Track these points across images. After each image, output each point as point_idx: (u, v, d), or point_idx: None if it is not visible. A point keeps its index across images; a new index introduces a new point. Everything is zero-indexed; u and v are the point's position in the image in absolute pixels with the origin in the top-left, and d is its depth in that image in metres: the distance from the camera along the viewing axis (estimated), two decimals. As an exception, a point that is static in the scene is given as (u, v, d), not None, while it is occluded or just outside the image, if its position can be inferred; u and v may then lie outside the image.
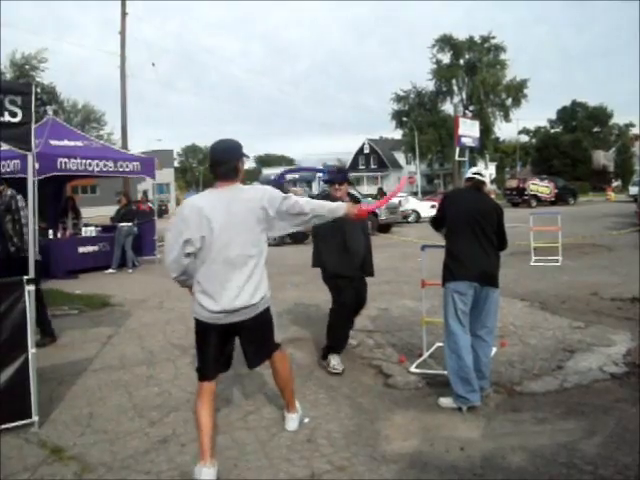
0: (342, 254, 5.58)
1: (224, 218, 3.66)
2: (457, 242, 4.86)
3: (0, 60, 35.94)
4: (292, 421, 4.41)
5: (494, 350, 5.49)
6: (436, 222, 5.18)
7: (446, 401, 4.80)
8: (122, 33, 26.05)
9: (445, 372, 5.03)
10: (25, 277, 4.49)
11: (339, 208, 4.11)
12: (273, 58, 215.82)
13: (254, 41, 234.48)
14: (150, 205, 17.10)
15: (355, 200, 5.79)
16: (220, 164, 3.77)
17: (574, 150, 61.48)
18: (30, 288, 4.46)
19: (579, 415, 4.51)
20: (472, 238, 4.80)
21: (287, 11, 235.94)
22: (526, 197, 38.80)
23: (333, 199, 5.54)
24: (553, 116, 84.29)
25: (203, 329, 3.82)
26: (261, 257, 3.85)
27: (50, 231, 13.54)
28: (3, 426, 4.33)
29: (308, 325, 7.53)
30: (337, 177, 5.82)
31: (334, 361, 5.64)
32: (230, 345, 3.97)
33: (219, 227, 3.64)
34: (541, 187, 39.29)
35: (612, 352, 5.98)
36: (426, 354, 6.01)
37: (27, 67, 40.96)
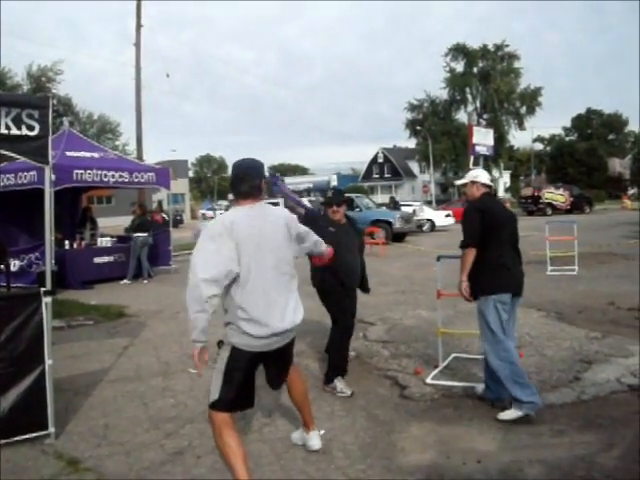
0: (338, 270, 5.41)
1: (257, 237, 3.48)
2: (497, 252, 4.69)
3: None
4: (316, 438, 4.19)
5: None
6: (476, 238, 4.71)
7: (509, 413, 4.58)
8: (137, 45, 26.23)
9: (460, 384, 5.01)
10: (42, 289, 4.52)
11: (325, 250, 4.26)
12: (287, 68, 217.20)
13: (268, 51, 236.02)
14: (163, 215, 17.09)
15: (351, 222, 5.80)
16: (243, 182, 3.61)
17: (589, 158, 61.24)
18: (47, 300, 4.48)
19: (597, 427, 4.46)
20: (509, 247, 4.76)
21: (301, 21, 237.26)
22: (541, 205, 38.79)
23: (331, 221, 5.56)
24: (568, 124, 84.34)
25: (240, 359, 3.49)
26: (294, 275, 3.75)
27: (66, 242, 13.61)
28: (20, 437, 4.36)
29: (323, 336, 7.49)
30: (335, 199, 5.77)
31: (340, 385, 5.50)
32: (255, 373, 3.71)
33: (254, 246, 3.45)
34: (556, 195, 39.22)
35: (630, 363, 5.92)
36: (442, 365, 5.97)
37: (43, 79, 41.49)
